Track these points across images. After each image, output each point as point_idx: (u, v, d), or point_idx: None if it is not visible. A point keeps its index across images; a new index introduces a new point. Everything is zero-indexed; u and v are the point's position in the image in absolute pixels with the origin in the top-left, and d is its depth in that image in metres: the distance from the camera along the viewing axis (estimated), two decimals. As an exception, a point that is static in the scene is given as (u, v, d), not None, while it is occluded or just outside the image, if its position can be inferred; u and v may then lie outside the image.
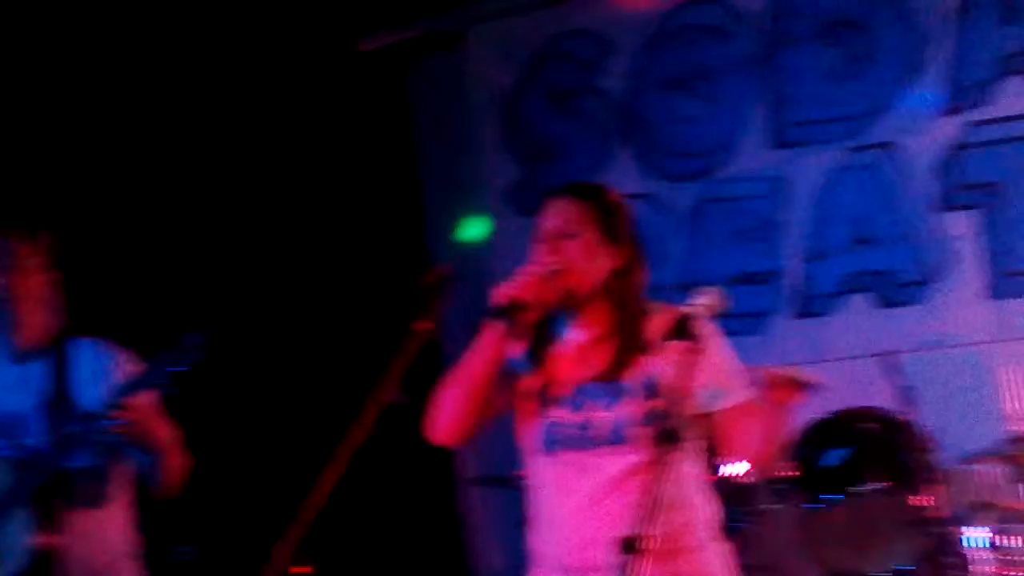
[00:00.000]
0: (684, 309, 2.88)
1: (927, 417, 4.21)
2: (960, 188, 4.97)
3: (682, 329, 2.82)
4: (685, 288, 5.37)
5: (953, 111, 4.98)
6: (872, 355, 4.68)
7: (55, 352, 3.77)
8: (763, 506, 4.45)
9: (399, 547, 5.68)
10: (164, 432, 3.72)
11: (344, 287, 5.78)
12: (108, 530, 3.77)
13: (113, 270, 5.36)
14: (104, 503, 3.76)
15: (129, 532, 3.86)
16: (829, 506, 4.28)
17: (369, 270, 5.80)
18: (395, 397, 4.63)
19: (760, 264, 5.26)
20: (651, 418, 2.90)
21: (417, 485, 5.59)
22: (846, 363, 5.07)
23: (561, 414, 3.05)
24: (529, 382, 3.11)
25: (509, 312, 2.92)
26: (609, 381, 3.01)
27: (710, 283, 4.39)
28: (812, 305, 5.21)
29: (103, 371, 3.73)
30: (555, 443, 3.04)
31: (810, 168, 5.21)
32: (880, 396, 4.54)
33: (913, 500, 4.18)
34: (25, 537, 3.57)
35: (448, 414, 3.07)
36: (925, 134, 5.03)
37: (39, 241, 3.81)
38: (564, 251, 3.03)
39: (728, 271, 5.24)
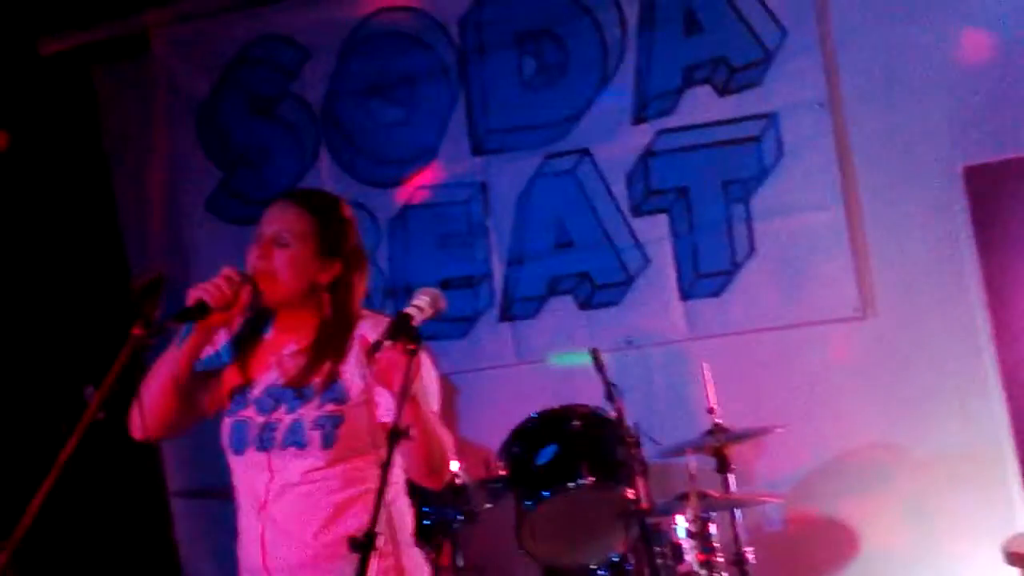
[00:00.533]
0: (405, 309, 2.89)
1: (631, 413, 4.33)
2: (651, 194, 5.16)
3: (401, 328, 2.84)
4: (392, 294, 5.46)
5: (641, 120, 5.17)
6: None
7: None
8: (477, 506, 4.49)
9: (110, 564, 5.48)
10: None
11: (42, 297, 5.51)
12: None
13: None
14: None
15: None
16: (541, 503, 4.35)
17: (66, 279, 5.56)
18: (96, 413, 4.47)
19: (464, 269, 5.32)
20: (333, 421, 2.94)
21: (127, 498, 5.39)
22: (549, 366, 5.21)
23: (249, 414, 3.09)
24: (227, 379, 3.11)
25: (193, 314, 2.93)
26: (298, 385, 3.05)
27: (415, 288, 4.43)
28: (516, 308, 5.31)
29: None
30: (242, 443, 3.05)
31: (510, 174, 5.32)
32: (584, 395, 4.68)
33: (621, 493, 4.29)
34: None
35: (145, 410, 3.05)
36: (617, 142, 5.20)
37: None
38: (272, 258, 3.02)
39: (434, 276, 5.27)
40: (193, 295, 2.93)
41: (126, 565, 5.55)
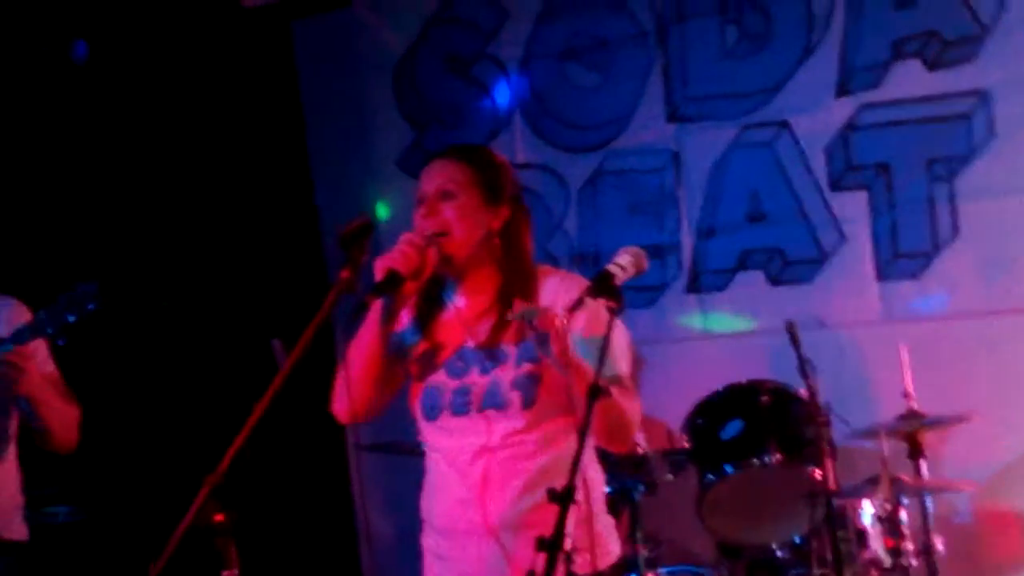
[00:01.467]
0: (607, 267, 2.85)
1: (820, 392, 4.22)
2: (850, 169, 5.02)
3: (602, 286, 2.79)
4: (579, 260, 5.43)
5: (844, 92, 5.02)
6: (766, 330, 4.80)
7: None
8: (658, 478, 4.43)
9: (290, 510, 5.58)
10: (54, 384, 3.62)
11: (235, 247, 5.64)
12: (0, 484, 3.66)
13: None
14: None
15: (18, 487, 3.76)
16: (723, 478, 4.28)
17: (258, 231, 5.67)
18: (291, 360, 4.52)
19: (654, 238, 5.25)
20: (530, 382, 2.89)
21: (309, 447, 5.47)
22: (736, 339, 5.13)
23: (441, 379, 3.05)
24: (416, 349, 3.07)
25: (387, 286, 2.89)
26: (489, 346, 3.00)
27: (604, 255, 4.40)
28: (704, 280, 5.23)
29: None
30: (435, 409, 3.04)
31: (704, 143, 5.23)
32: (769, 370, 4.59)
33: (807, 473, 4.19)
34: None
35: (347, 395, 3.04)
36: (817, 114, 5.06)
37: None
38: (441, 213, 3.00)
39: (621, 244, 5.17)
40: (382, 266, 2.89)
41: (304, 512, 5.65)
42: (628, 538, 4.50)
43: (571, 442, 2.84)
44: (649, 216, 5.30)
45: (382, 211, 5.64)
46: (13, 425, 3.69)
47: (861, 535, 4.18)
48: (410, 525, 5.63)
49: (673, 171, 5.27)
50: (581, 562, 2.77)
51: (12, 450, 3.72)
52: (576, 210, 5.42)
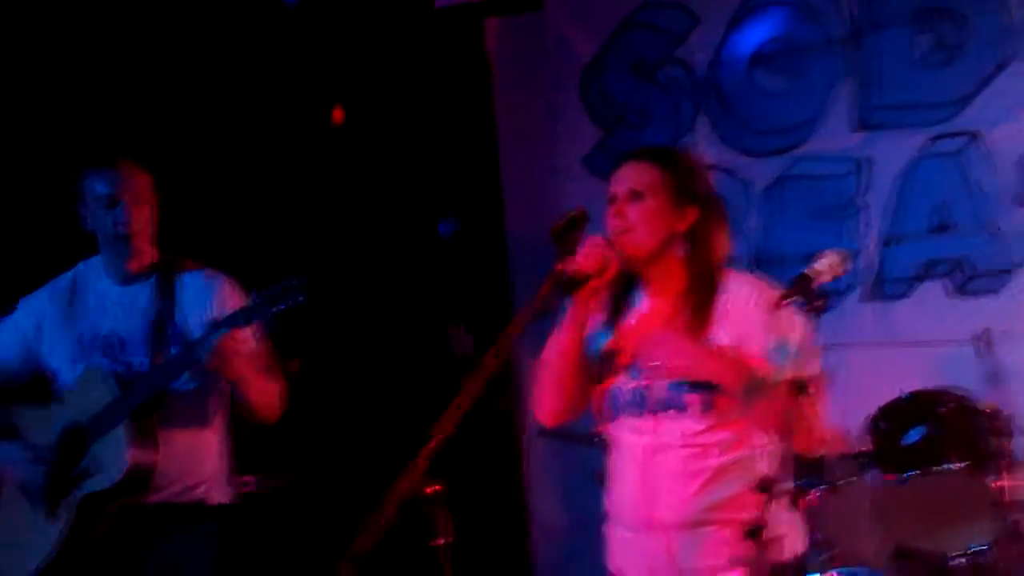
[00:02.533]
0: (806, 269, 2.92)
1: (1007, 403, 4.22)
2: (1044, 182, 4.97)
3: (801, 288, 2.87)
4: (759, 263, 5.47)
5: (1040, 106, 4.98)
6: (949, 340, 4.80)
7: (161, 276, 3.86)
8: (837, 478, 4.46)
9: (462, 493, 5.73)
10: (261, 361, 3.79)
11: (424, 238, 5.82)
12: (202, 451, 3.88)
13: (217, 202, 5.43)
14: (201, 425, 3.84)
15: (223, 455, 3.94)
16: (904, 482, 4.30)
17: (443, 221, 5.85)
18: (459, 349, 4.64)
19: (836, 244, 5.19)
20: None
21: (483, 432, 5.62)
22: (917, 348, 5.11)
23: (623, 380, 3.10)
24: (604, 349, 3.16)
25: (573, 285, 3.00)
26: None
27: (786, 259, 4.43)
28: (886, 288, 5.22)
29: (207, 298, 3.84)
30: (615, 409, 3.11)
31: (893, 151, 5.21)
32: (951, 381, 4.59)
33: (989, 484, 4.19)
34: (123, 451, 3.66)
35: (547, 398, 3.21)
36: (1010, 126, 5.01)
37: (146, 171, 3.89)
38: (628, 214, 3.07)
39: (803, 249, 5.19)
40: (568, 268, 3.00)
41: (476, 496, 5.78)
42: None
43: (750, 444, 2.93)
44: (833, 222, 5.30)
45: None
46: (220, 397, 3.89)
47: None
48: (581, 513, 5.75)
49: (859, 178, 5.27)
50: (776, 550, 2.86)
51: (219, 420, 3.92)
52: (758, 214, 5.46)
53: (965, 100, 5.08)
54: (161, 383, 3.69)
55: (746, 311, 3.03)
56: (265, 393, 3.79)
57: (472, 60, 6.06)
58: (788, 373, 2.77)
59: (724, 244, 3.17)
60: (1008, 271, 5.00)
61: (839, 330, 5.22)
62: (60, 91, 5.32)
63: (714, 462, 3.03)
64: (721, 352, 2.99)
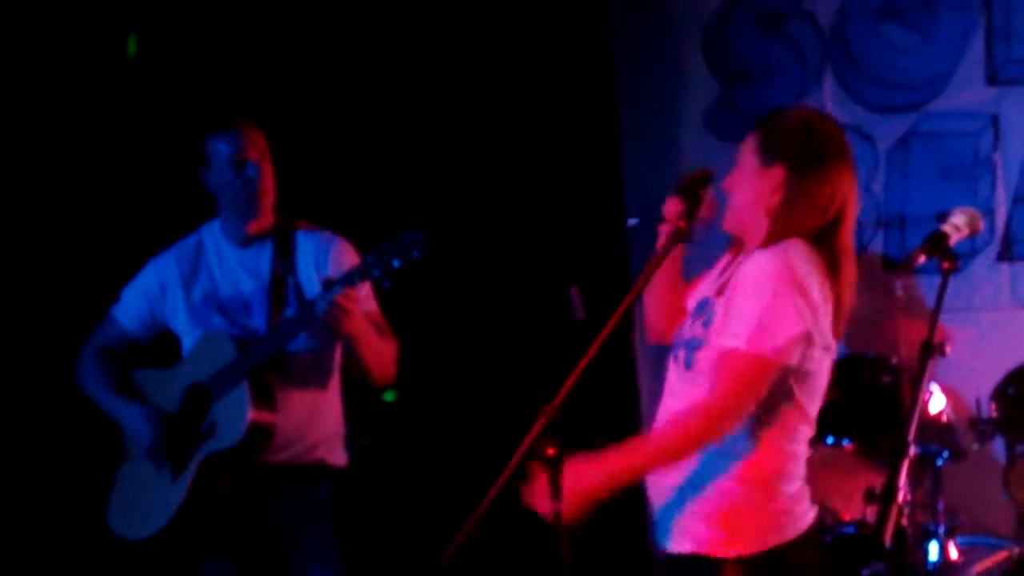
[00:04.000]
0: (942, 227, 2.84)
1: None
2: None
3: (936, 246, 2.80)
4: (885, 224, 5.35)
5: None
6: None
7: (279, 238, 3.89)
8: (964, 445, 4.37)
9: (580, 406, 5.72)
10: (375, 322, 3.82)
11: (540, 196, 5.77)
12: (321, 411, 3.92)
13: (324, 164, 5.43)
14: (319, 386, 3.88)
15: (340, 416, 4.00)
16: (1034, 451, 4.19)
17: (559, 179, 5.79)
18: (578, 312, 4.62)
19: (964, 203, 5.06)
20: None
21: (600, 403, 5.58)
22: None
23: (681, 328, 3.08)
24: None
25: (691, 190, 2.97)
26: (705, 301, 3.01)
27: (912, 219, 4.32)
28: (1017, 249, 5.09)
29: (325, 259, 3.86)
30: (675, 357, 3.04)
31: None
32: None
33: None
34: (243, 411, 3.69)
35: (650, 315, 3.21)
36: None
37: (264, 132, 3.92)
38: (728, 180, 2.99)
39: (930, 208, 5.04)
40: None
41: (591, 410, 5.73)
42: (927, 506, 4.46)
43: None
44: (962, 180, 5.17)
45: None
46: (337, 358, 3.92)
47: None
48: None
49: (991, 135, 5.13)
50: None
51: (336, 381, 3.95)
52: (885, 172, 5.33)
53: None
54: (278, 344, 3.71)
55: (742, 290, 2.88)
56: (380, 354, 3.81)
57: (596, 15, 5.98)
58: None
59: (809, 206, 2.91)
60: None
61: (968, 293, 5.12)
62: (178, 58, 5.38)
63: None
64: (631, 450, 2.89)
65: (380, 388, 4.04)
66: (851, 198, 2.93)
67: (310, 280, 3.82)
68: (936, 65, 5.25)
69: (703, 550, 2.89)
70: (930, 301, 4.17)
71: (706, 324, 2.92)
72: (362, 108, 5.66)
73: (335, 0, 5.63)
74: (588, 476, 2.79)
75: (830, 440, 4.48)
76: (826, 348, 2.88)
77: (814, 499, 4.36)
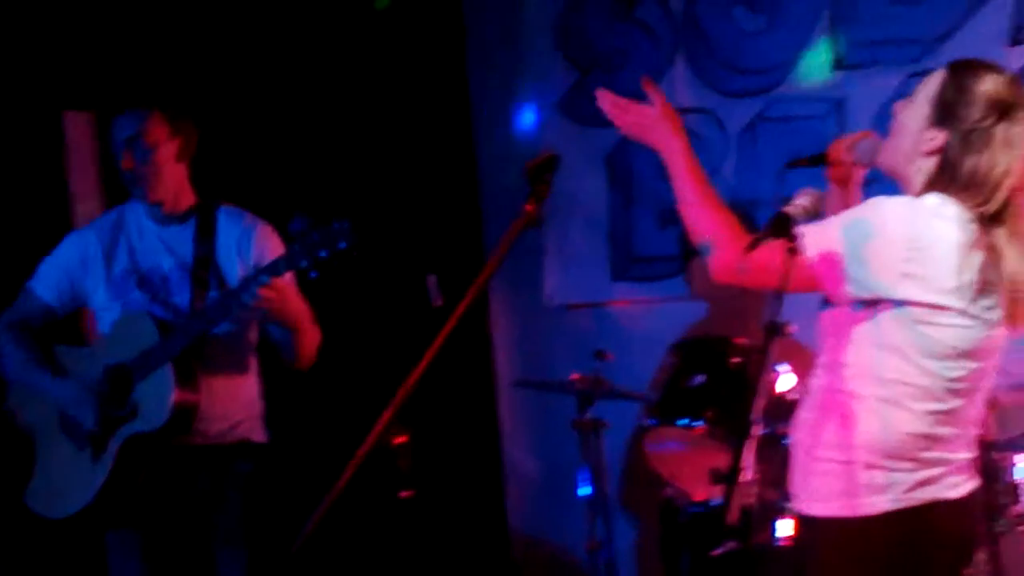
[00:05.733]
0: (785, 208, 2.89)
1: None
2: None
3: (781, 227, 2.84)
4: (736, 206, 5.42)
5: (1018, 41, 4.91)
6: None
7: (200, 217, 3.99)
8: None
9: (437, 443, 5.70)
10: (300, 310, 3.93)
11: (393, 183, 5.76)
12: (242, 391, 4.04)
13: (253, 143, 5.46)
14: (240, 367, 4.02)
15: (260, 396, 4.13)
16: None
17: (415, 169, 5.78)
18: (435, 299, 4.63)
19: (813, 186, 5.15)
20: None
21: (457, 383, 5.58)
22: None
23: None
24: None
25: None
26: None
27: (762, 201, 4.39)
28: (864, 229, 5.17)
29: (247, 243, 3.98)
30: None
31: (869, 91, 5.13)
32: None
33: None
34: (167, 394, 3.76)
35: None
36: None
37: (175, 114, 4.00)
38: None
39: (781, 191, 5.13)
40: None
41: (450, 446, 5.76)
42: (776, 484, 4.53)
43: None
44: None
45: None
46: (254, 337, 4.04)
47: (1014, 489, 4.16)
48: (555, 464, 5.76)
49: (836, 118, 5.22)
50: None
51: (253, 360, 4.07)
52: (735, 155, 5.41)
53: (943, 37, 5.01)
54: (202, 328, 3.77)
55: None
56: (307, 336, 3.94)
57: (445, 9, 5.97)
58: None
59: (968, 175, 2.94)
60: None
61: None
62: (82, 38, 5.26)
63: None
64: None
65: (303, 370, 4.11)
66: None
67: (231, 263, 3.93)
68: (783, 49, 5.31)
69: None
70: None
71: None
72: (228, 103, 5.60)
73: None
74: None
75: (683, 422, 4.53)
76: None
77: (667, 481, 4.45)
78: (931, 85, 3.00)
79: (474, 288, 2.82)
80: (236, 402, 3.99)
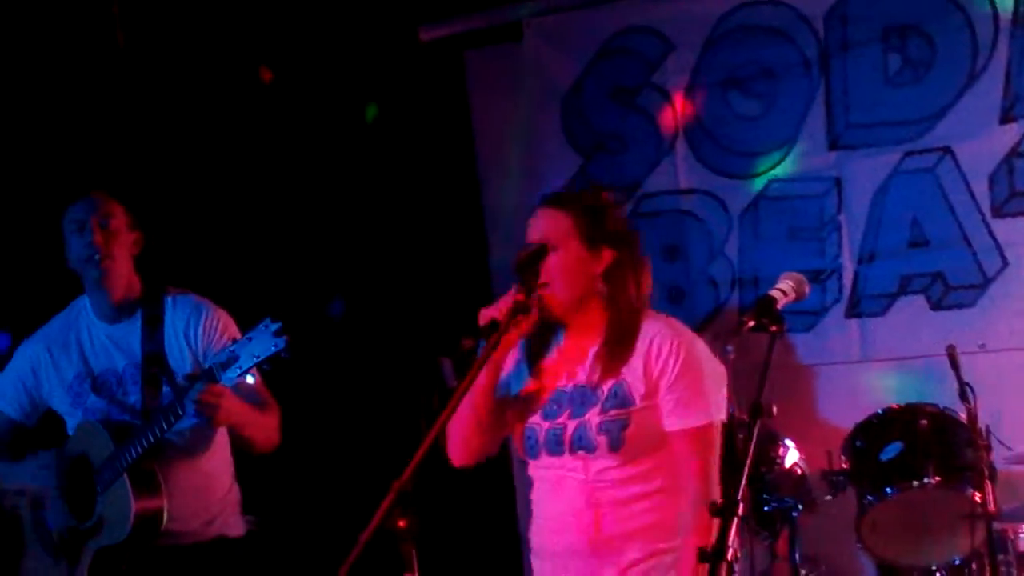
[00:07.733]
0: (769, 291, 2.97)
1: (981, 416, 4.26)
2: (1015, 195, 5.03)
3: (764, 310, 2.92)
4: (739, 284, 5.52)
5: (1010, 119, 5.04)
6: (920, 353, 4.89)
7: (147, 309, 3.89)
8: (817, 497, 4.52)
9: (459, 526, 5.74)
10: (254, 396, 3.78)
11: (406, 270, 5.86)
12: (211, 485, 3.92)
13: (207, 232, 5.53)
14: (204, 460, 3.88)
15: (232, 486, 4.00)
16: (883, 499, 4.34)
17: (426, 254, 5.89)
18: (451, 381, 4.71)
19: (814, 263, 5.31)
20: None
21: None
22: (896, 363, 5.17)
23: (536, 421, 3.18)
24: (521, 391, 3.23)
25: (486, 332, 3.03)
26: (585, 386, 3.13)
27: (764, 280, 4.47)
28: (864, 305, 5.28)
29: (195, 331, 3.86)
30: (534, 448, 3.17)
31: (866, 170, 5.28)
32: (931, 395, 4.65)
33: (966, 496, 4.24)
34: (126, 507, 3.69)
35: (457, 438, 3.24)
36: (981, 141, 5.08)
37: (124, 203, 3.94)
38: (545, 267, 3.09)
39: (782, 268, 5.24)
40: (484, 315, 3.05)
41: (469, 523, 5.80)
42: (787, 557, 4.60)
43: (665, 477, 3.02)
44: (810, 241, 5.36)
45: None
46: (220, 431, 3.88)
47: (1021, 559, 4.22)
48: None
49: (835, 197, 5.33)
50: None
51: (222, 450, 3.93)
52: (737, 235, 5.52)
53: (936, 116, 5.14)
54: (154, 435, 3.67)
55: (660, 359, 3.07)
56: (261, 428, 3.81)
57: (454, 92, 6.11)
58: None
59: (643, 283, 3.18)
60: (982, 285, 5.06)
61: (820, 349, 5.31)
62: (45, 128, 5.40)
63: (621, 494, 3.08)
64: None
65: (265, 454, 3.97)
66: None
67: (181, 354, 3.82)
68: (779, 131, 5.44)
69: None
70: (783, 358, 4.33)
71: (622, 404, 3.05)
72: (231, 178, 5.74)
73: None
74: None
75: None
76: None
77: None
78: None
79: (474, 369, 2.90)
80: (206, 498, 3.87)
